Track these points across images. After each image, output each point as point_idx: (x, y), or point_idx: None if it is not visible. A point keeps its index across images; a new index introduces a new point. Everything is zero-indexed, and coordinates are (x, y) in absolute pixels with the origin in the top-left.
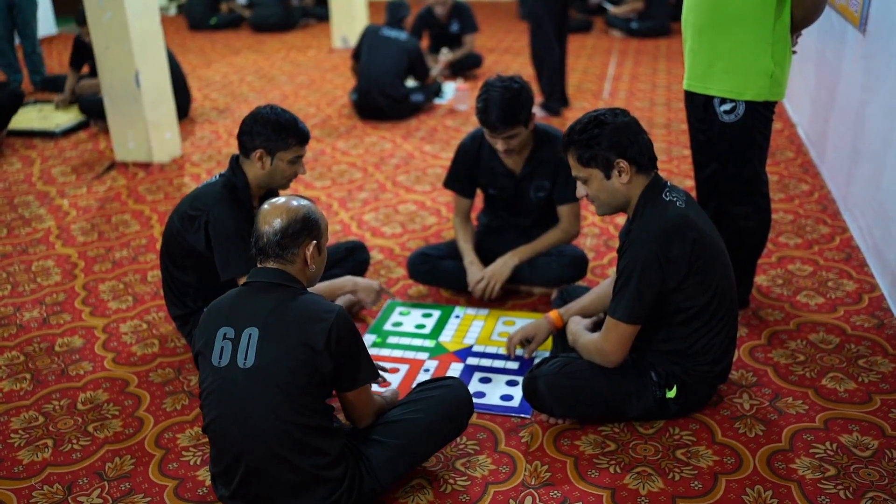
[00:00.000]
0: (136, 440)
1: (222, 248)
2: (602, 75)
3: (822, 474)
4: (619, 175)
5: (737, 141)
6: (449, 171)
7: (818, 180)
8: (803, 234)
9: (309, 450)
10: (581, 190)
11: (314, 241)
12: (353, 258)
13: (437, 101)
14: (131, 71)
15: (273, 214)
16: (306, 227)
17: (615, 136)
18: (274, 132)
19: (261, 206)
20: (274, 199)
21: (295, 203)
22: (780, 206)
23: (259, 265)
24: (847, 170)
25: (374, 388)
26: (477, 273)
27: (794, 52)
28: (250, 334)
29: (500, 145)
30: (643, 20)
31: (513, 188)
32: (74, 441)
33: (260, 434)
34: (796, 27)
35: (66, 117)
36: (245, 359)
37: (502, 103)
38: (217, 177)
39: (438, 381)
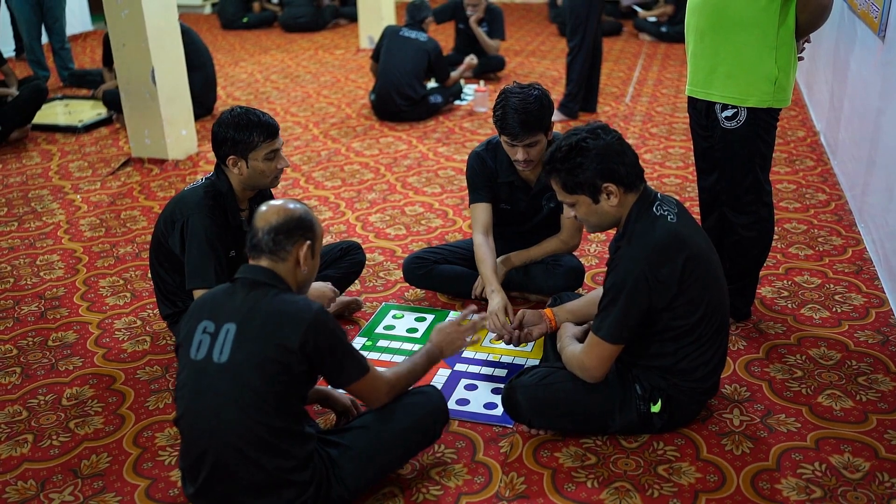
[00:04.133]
0: (115, 438)
1: (192, 257)
2: (627, 79)
3: (808, 496)
4: (608, 198)
5: (739, 148)
6: (472, 187)
7: (836, 190)
8: (815, 245)
9: (274, 451)
10: (569, 212)
11: (308, 242)
12: (348, 258)
13: (456, 102)
14: (147, 68)
15: (269, 213)
16: (301, 226)
17: (600, 162)
18: (238, 133)
19: (257, 208)
20: (271, 201)
21: (291, 205)
22: (795, 215)
23: (251, 262)
24: (863, 180)
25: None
26: (497, 302)
27: (800, 59)
28: (228, 329)
29: (520, 154)
30: (673, 24)
31: (527, 202)
32: (54, 437)
33: (227, 430)
34: (802, 32)
35: (91, 113)
36: (220, 353)
37: (522, 109)
38: (202, 180)
39: (414, 389)
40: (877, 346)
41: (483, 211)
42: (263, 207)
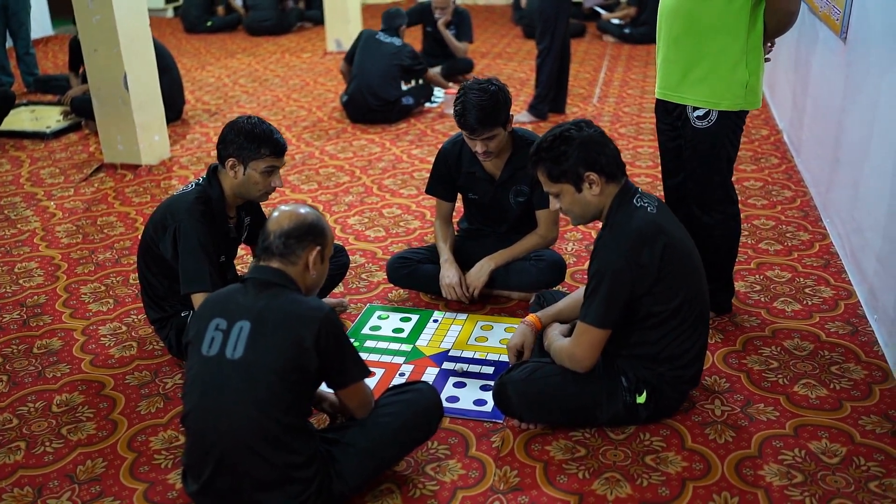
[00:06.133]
0: (109, 443)
1: (186, 262)
2: (593, 80)
3: (790, 481)
4: (590, 187)
5: (707, 147)
6: (430, 177)
7: (801, 187)
8: (784, 240)
9: (284, 447)
10: (555, 203)
11: (318, 248)
12: (332, 261)
13: (427, 104)
14: (120, 73)
15: (282, 217)
16: (311, 232)
17: (583, 151)
18: (247, 141)
19: (271, 214)
20: (283, 206)
21: (303, 210)
22: (762, 212)
23: (262, 263)
24: (828, 177)
25: None
26: (450, 271)
27: (767, 60)
28: (241, 327)
29: (478, 147)
30: (636, 26)
31: (492, 193)
32: (47, 444)
33: (238, 425)
34: (770, 36)
35: (58, 119)
36: (234, 350)
37: (479, 105)
38: (192, 185)
39: (409, 386)
40: (847, 337)
41: (440, 203)
42: (276, 212)
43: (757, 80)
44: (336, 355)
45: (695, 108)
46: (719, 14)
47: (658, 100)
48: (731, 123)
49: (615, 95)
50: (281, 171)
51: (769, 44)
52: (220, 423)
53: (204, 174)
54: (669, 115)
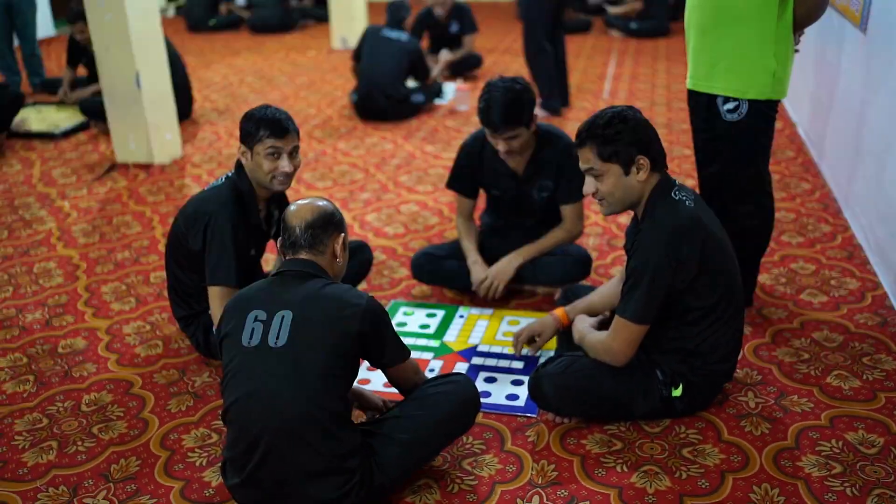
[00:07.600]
0: (142, 441)
1: (214, 255)
2: (602, 75)
3: (829, 472)
4: (638, 172)
5: (740, 139)
6: (451, 172)
7: (819, 179)
8: (805, 232)
9: (330, 436)
10: (590, 187)
11: (342, 235)
12: (356, 258)
13: (437, 101)
14: (132, 72)
15: (303, 210)
16: (333, 220)
17: (638, 133)
18: (246, 123)
19: (285, 209)
20: (299, 200)
21: (320, 202)
22: (782, 204)
23: (291, 257)
24: (848, 169)
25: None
26: (480, 272)
27: (796, 51)
28: (283, 316)
29: (501, 146)
30: (642, 20)
31: (515, 189)
32: (79, 443)
33: (286, 413)
34: (799, 25)
35: (67, 119)
36: (277, 339)
37: (504, 103)
38: (223, 179)
39: (446, 378)
40: (876, 328)
41: (461, 200)
42: (293, 207)
43: (785, 70)
44: (380, 339)
45: (725, 101)
46: (747, 4)
47: (689, 91)
48: (761, 114)
49: (625, 90)
50: (292, 153)
51: (798, 34)
52: (266, 411)
53: (221, 170)
54: (701, 107)
